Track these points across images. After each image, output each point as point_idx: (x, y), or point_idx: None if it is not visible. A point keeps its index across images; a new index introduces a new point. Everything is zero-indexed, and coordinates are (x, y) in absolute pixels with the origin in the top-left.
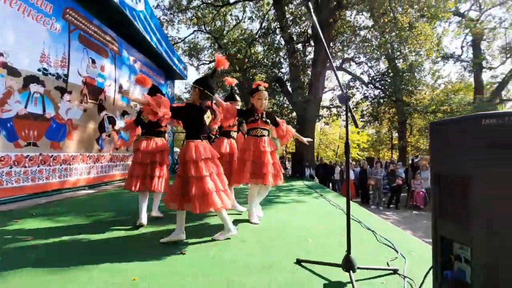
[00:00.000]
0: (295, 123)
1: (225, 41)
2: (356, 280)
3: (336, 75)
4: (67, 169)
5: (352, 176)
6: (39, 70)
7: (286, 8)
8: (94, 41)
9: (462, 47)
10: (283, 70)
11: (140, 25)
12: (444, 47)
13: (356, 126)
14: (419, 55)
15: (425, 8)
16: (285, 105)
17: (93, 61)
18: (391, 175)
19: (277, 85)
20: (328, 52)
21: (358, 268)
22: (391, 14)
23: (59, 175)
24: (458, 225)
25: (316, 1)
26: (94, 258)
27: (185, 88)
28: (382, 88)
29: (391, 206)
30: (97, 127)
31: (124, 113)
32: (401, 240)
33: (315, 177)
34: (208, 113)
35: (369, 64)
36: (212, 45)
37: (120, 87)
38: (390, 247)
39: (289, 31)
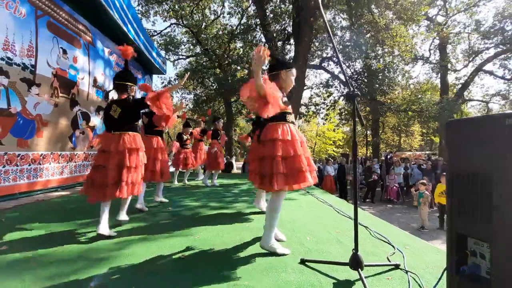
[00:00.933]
0: None
1: (204, 35)
2: (365, 277)
3: (342, 69)
4: (36, 170)
5: (331, 172)
6: (2, 59)
7: (266, 5)
8: (65, 30)
9: (430, 49)
10: (264, 67)
11: (116, 15)
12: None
13: (362, 124)
14: (394, 56)
15: (402, 11)
16: None
17: (64, 52)
18: (368, 171)
19: None
20: (333, 43)
21: (365, 265)
22: (369, 16)
23: (27, 176)
24: (476, 222)
25: (296, 0)
26: (71, 269)
27: (162, 83)
28: (359, 87)
29: (367, 200)
30: (70, 124)
31: (99, 109)
32: (393, 234)
33: None
34: (114, 106)
35: (347, 64)
36: (190, 39)
37: (95, 80)
38: (385, 242)
39: (271, 29)
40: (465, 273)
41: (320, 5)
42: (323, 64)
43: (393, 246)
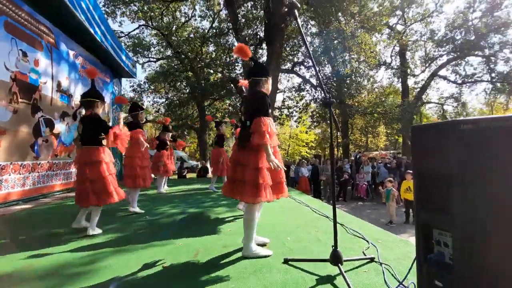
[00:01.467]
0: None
1: (175, 38)
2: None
3: (318, 76)
4: None
5: (305, 173)
6: None
7: (238, 10)
8: (25, 31)
9: (391, 56)
10: (237, 71)
11: (82, 16)
12: (378, 55)
13: (338, 130)
14: (360, 62)
15: (365, 20)
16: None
17: (25, 54)
18: (339, 171)
19: (232, 85)
20: (310, 53)
21: (344, 260)
22: (336, 24)
23: None
24: (439, 215)
25: (268, 6)
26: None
27: (131, 87)
28: (328, 91)
29: (340, 199)
30: (32, 131)
31: (64, 115)
32: (366, 230)
33: None
34: (79, 122)
35: (317, 69)
36: (160, 42)
37: (59, 84)
38: (360, 237)
39: (243, 33)
40: (432, 260)
41: (297, 17)
42: (295, 69)
43: (367, 241)
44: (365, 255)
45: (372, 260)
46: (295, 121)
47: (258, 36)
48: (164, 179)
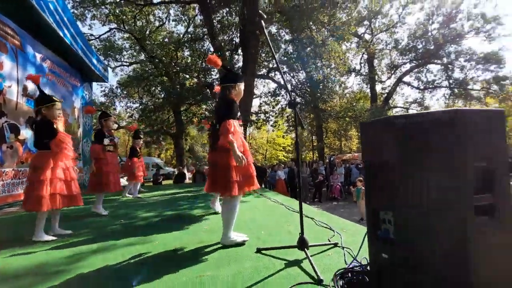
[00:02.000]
0: None
1: (148, 42)
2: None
3: (283, 80)
4: None
5: (282, 176)
6: None
7: (213, 16)
8: None
9: (360, 63)
10: (214, 76)
11: (50, 18)
12: (348, 62)
13: (302, 127)
14: (331, 69)
15: (334, 29)
16: None
17: None
18: (314, 173)
19: (208, 90)
20: (276, 58)
21: (310, 246)
22: (308, 32)
23: None
24: (384, 198)
25: (242, 13)
26: (24, 285)
27: (102, 91)
28: (303, 96)
29: (315, 200)
30: None
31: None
32: (334, 222)
33: None
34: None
35: (291, 74)
36: (133, 45)
37: (25, 89)
38: (327, 228)
39: (220, 38)
40: (379, 237)
41: (263, 24)
42: (270, 74)
43: (333, 230)
44: (330, 241)
45: (335, 245)
46: (271, 126)
47: (234, 42)
48: (137, 186)
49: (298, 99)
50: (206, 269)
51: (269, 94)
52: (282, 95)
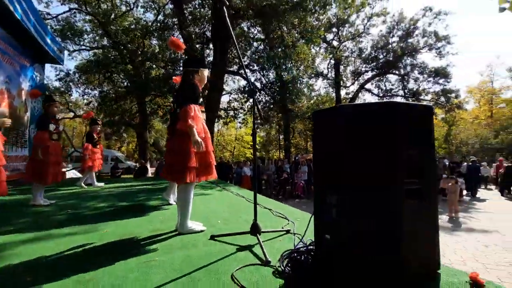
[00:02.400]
0: None
1: (113, 27)
2: (262, 241)
3: (244, 70)
4: None
5: (248, 172)
6: None
7: (185, 6)
8: None
9: (328, 68)
10: (182, 68)
11: None
12: (316, 66)
13: (261, 118)
14: (300, 70)
15: (304, 32)
16: None
17: None
18: (279, 171)
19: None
20: (237, 49)
21: (262, 232)
22: (279, 32)
23: None
24: (330, 183)
25: (215, 7)
26: None
27: (56, 75)
28: (272, 95)
29: (280, 197)
30: None
31: None
32: (289, 213)
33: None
34: None
35: (261, 73)
36: (96, 29)
37: None
38: (283, 217)
39: (188, 29)
40: (324, 219)
41: (226, 13)
42: (240, 71)
43: (288, 220)
44: (283, 228)
45: (288, 232)
46: (240, 123)
47: (205, 36)
48: (92, 174)
49: (267, 98)
50: (155, 255)
51: (239, 91)
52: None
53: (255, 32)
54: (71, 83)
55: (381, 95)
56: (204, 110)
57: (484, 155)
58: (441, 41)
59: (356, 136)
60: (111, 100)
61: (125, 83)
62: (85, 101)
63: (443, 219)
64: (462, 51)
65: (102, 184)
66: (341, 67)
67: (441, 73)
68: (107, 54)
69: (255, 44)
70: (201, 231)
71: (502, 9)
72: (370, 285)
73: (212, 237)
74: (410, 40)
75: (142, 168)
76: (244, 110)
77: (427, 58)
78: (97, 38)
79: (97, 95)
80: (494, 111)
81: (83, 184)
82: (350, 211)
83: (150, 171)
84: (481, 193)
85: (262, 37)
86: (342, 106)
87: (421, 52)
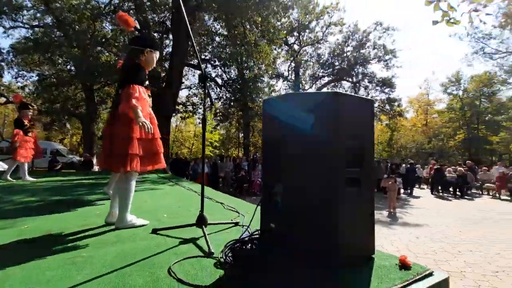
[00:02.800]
0: None
1: (58, 4)
2: (208, 234)
3: (197, 55)
4: None
5: (205, 169)
6: None
7: None
8: None
9: (288, 70)
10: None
11: None
12: (277, 67)
13: (212, 104)
14: (260, 69)
15: (266, 32)
16: None
17: None
18: (237, 168)
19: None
20: (191, 36)
21: (209, 224)
22: (241, 29)
23: None
24: (276, 172)
25: None
26: None
27: None
28: (233, 92)
29: (237, 194)
30: None
31: None
32: (241, 206)
33: (169, 171)
34: None
35: (223, 69)
36: (38, 4)
37: None
38: (234, 211)
39: (144, 15)
40: (269, 208)
41: (181, 3)
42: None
43: (238, 213)
44: (232, 221)
45: (236, 224)
46: (199, 118)
47: (165, 25)
48: (23, 166)
49: (228, 95)
50: (84, 251)
51: (199, 85)
52: (212, 88)
53: (218, 27)
54: (2, 63)
55: None
56: (150, 94)
57: (419, 158)
58: (388, 54)
59: (300, 125)
60: (51, 86)
61: (69, 67)
62: (19, 84)
63: (383, 214)
64: (405, 64)
65: (33, 179)
66: (301, 71)
67: (387, 83)
68: (50, 34)
69: (217, 39)
70: (143, 225)
71: (435, 22)
72: (308, 271)
73: (154, 231)
74: (362, 51)
75: (87, 162)
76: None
77: (376, 68)
78: (38, 15)
79: (34, 78)
80: (428, 120)
81: (9, 177)
82: (292, 199)
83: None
84: (416, 191)
85: (225, 32)
86: (290, 94)
87: (371, 63)
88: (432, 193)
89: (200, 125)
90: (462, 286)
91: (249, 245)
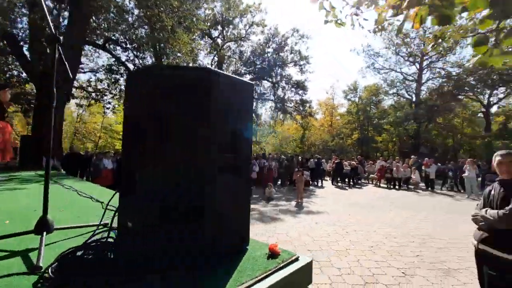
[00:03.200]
0: (29, 98)
1: None
2: (57, 241)
3: (44, 6)
4: None
5: (109, 165)
6: None
7: None
8: None
9: (211, 64)
10: (19, 25)
11: None
12: (201, 60)
13: (68, 76)
14: (177, 57)
15: (183, 18)
16: (16, 74)
17: None
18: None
19: (6, 43)
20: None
21: (58, 228)
22: (156, 10)
23: None
24: (141, 156)
25: None
26: None
27: None
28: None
29: None
30: None
31: None
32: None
33: (61, 168)
34: None
35: (135, 53)
36: None
37: None
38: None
39: None
40: (128, 200)
41: None
42: (107, 45)
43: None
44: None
45: (105, 226)
46: (109, 109)
47: None
48: None
49: None
50: None
51: (105, 69)
52: (121, 73)
53: (131, 5)
54: None
55: (256, 97)
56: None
57: (324, 154)
58: (303, 60)
59: (166, 103)
60: None
61: None
62: None
63: (291, 204)
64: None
65: None
66: (224, 66)
67: (300, 86)
68: None
69: (130, 19)
70: None
71: (326, 22)
72: (175, 264)
73: None
74: (281, 54)
75: None
76: (112, 94)
77: (293, 71)
78: None
79: None
80: (333, 121)
81: None
82: (155, 188)
83: None
84: (321, 183)
85: (136, 11)
86: (159, 65)
87: (288, 66)
88: (332, 184)
89: (109, 115)
90: (346, 262)
91: (95, 251)
